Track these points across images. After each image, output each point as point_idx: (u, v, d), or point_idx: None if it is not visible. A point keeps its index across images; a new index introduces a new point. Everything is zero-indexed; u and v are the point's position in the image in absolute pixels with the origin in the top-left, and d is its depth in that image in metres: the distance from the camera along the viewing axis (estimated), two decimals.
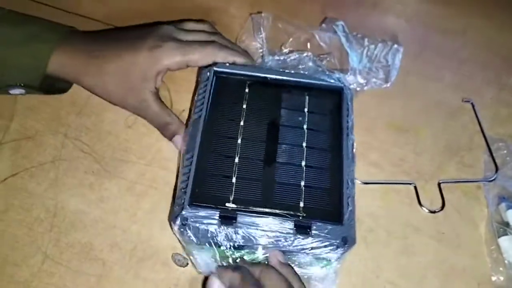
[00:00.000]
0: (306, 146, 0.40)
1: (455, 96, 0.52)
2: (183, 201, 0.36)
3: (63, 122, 0.45)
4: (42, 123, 0.45)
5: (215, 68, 0.43)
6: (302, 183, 0.38)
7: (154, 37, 0.42)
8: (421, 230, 0.43)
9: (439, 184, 0.45)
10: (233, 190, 0.37)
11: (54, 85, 0.45)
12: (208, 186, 0.37)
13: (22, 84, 0.42)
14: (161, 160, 0.44)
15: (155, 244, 0.40)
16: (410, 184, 0.45)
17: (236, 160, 0.38)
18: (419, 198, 0.45)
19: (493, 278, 0.41)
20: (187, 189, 0.36)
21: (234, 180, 0.37)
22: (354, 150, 0.40)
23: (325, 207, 0.37)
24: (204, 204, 0.36)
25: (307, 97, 0.43)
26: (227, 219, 0.35)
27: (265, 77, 0.43)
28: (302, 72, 0.44)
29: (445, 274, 0.41)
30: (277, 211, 0.36)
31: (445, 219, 0.44)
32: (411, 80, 0.53)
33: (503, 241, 0.42)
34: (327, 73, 0.44)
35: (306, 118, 0.41)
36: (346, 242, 0.35)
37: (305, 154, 0.39)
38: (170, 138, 0.43)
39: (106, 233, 0.40)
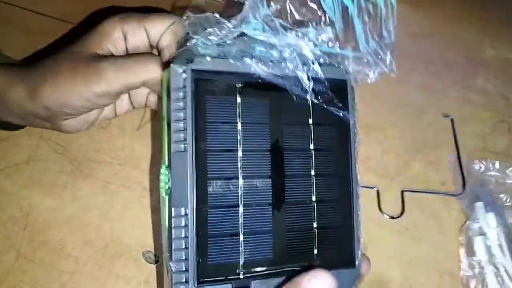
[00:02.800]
0: (314, 175, 0.33)
1: (422, 97, 0.54)
2: (186, 279, 0.29)
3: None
4: None
5: (193, 67, 0.30)
6: (315, 225, 0.32)
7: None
8: (385, 226, 0.45)
9: (402, 192, 0.47)
10: (242, 251, 0.30)
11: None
12: (213, 252, 0.29)
13: None
14: (133, 160, 0.45)
15: (126, 241, 0.41)
16: (372, 188, 0.47)
17: (241, 209, 0.30)
18: (380, 204, 0.46)
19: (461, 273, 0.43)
20: (189, 263, 0.29)
21: (241, 238, 0.30)
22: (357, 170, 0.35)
23: (337, 249, 0.33)
24: (213, 279, 0.29)
25: (308, 101, 0.33)
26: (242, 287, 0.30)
27: (258, 75, 0.32)
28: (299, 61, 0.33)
29: (407, 265, 0.43)
30: (291, 267, 0.31)
31: (408, 216, 0.46)
32: (379, 82, 0.54)
33: (477, 240, 0.44)
34: (327, 60, 0.33)
35: (312, 135, 0.33)
36: (356, 280, 0.33)
37: (314, 187, 0.33)
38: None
39: (79, 231, 0.41)
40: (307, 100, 0.32)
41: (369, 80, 0.36)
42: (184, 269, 0.29)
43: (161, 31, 0.35)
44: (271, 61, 0.32)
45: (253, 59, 0.31)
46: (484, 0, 0.63)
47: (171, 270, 0.29)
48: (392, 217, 0.45)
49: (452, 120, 0.51)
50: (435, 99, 0.54)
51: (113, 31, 0.36)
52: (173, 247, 0.29)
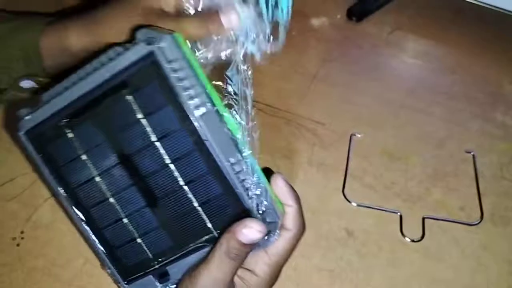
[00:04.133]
0: (171, 161, 0.33)
1: (443, 128, 0.58)
2: (119, 280, 0.36)
3: None
4: None
5: (23, 131, 0.35)
6: (196, 204, 0.33)
7: None
8: (408, 245, 0.49)
9: (423, 219, 0.51)
10: (146, 248, 0.35)
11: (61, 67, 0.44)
12: (125, 257, 0.36)
13: (28, 74, 0.44)
14: None
15: None
16: (396, 213, 0.51)
17: (125, 220, 0.35)
18: (402, 228, 0.50)
19: None
20: (112, 269, 0.36)
21: (139, 240, 0.35)
22: (229, 126, 0.32)
23: (231, 213, 0.33)
24: (136, 275, 0.36)
25: (129, 98, 0.32)
26: (162, 276, 0.35)
27: (73, 104, 0.33)
28: (104, 64, 0.33)
29: (428, 285, 0.47)
30: (193, 245, 0.34)
31: (430, 239, 0.50)
32: (405, 113, 0.60)
33: None
34: (126, 47, 0.32)
35: (148, 127, 0.33)
36: (270, 232, 0.33)
37: (176, 172, 0.33)
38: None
39: None
40: (125, 97, 0.32)
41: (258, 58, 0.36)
42: (113, 275, 0.36)
43: None
44: (80, 79, 0.33)
45: (64, 89, 0.33)
46: (503, 40, 0.67)
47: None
48: (413, 240, 0.50)
49: (473, 155, 0.56)
50: (456, 131, 0.58)
51: None
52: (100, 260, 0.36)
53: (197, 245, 0.34)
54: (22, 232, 0.47)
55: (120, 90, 0.32)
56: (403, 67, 0.65)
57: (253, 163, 0.33)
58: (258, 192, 0.32)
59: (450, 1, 0.62)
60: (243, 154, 0.32)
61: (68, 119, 0.34)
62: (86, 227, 0.36)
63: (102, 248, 0.36)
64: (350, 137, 0.57)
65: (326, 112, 0.59)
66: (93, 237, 0.36)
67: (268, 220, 0.33)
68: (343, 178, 0.53)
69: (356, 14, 0.68)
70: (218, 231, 0.33)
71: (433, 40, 0.68)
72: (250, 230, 0.31)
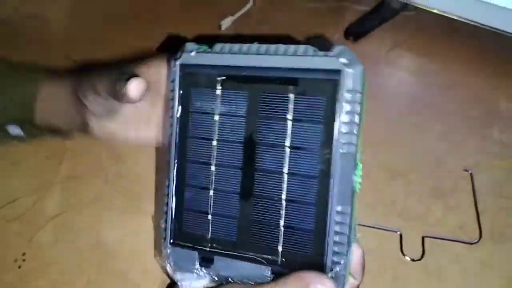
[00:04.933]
0: (288, 173, 0.32)
1: (442, 145, 0.59)
2: (165, 237, 0.36)
3: (103, 166, 0.53)
4: (86, 167, 0.53)
5: (180, 62, 0.35)
6: (282, 223, 0.33)
7: None
8: (408, 264, 0.50)
9: (423, 238, 0.51)
10: (210, 228, 0.35)
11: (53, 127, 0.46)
12: (186, 222, 0.35)
13: (17, 119, 0.45)
14: None
15: None
16: (395, 232, 0.52)
17: (211, 192, 0.35)
18: (402, 247, 0.50)
19: None
20: (167, 225, 0.36)
21: (210, 217, 0.35)
22: (356, 176, 0.32)
23: (306, 252, 0.32)
24: (184, 244, 0.35)
25: (291, 96, 0.32)
26: (205, 260, 0.35)
27: (241, 68, 0.33)
28: (288, 54, 0.32)
29: None
30: (253, 255, 0.33)
31: (430, 257, 0.50)
32: (403, 130, 0.60)
33: None
34: (319, 51, 0.32)
35: (289, 131, 0.32)
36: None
37: (285, 184, 0.32)
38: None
39: (137, 261, 0.48)
40: (288, 93, 0.32)
41: None
42: (165, 229, 0.36)
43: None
44: (258, 53, 0.33)
45: (240, 51, 0.33)
46: (499, 58, 0.69)
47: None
48: (414, 260, 0.50)
49: (471, 174, 0.56)
50: (454, 148, 0.59)
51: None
52: (162, 209, 0.36)
53: (255, 257, 0.33)
54: (23, 254, 0.48)
55: (289, 84, 0.32)
56: (401, 85, 0.66)
57: (354, 222, 0.32)
58: (342, 251, 0.31)
59: (446, 20, 0.63)
60: (352, 211, 0.32)
61: (226, 78, 0.34)
62: (174, 173, 0.35)
63: (174, 201, 0.35)
64: None
65: None
66: (173, 186, 0.35)
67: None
68: None
69: (354, 34, 0.70)
70: (283, 260, 0.32)
71: (430, 58, 0.69)
72: None
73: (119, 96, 0.38)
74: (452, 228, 0.53)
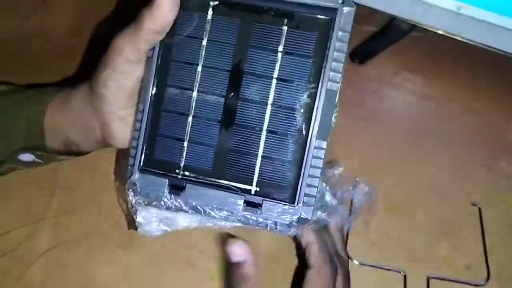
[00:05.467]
0: (272, 104, 0.33)
1: (449, 178, 0.57)
2: (133, 164, 0.35)
3: (96, 199, 0.51)
4: (79, 199, 0.51)
5: None
6: (260, 153, 0.33)
7: None
8: None
9: (428, 279, 0.49)
10: (184, 155, 0.34)
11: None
12: (159, 149, 0.34)
13: (27, 147, 0.42)
14: (185, 236, 0.49)
15: None
16: (399, 272, 0.50)
17: (190, 119, 0.34)
18: None
19: None
20: (137, 151, 0.35)
21: (185, 144, 0.34)
22: (334, 114, 0.33)
23: (281, 183, 0.33)
24: (154, 170, 0.34)
25: (285, 28, 0.33)
26: (176, 188, 0.34)
27: None
28: None
29: None
30: (227, 183, 0.34)
31: None
32: (409, 160, 0.58)
33: None
34: None
35: (279, 63, 0.33)
36: (298, 221, 0.33)
37: (268, 115, 0.33)
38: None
39: None
40: (282, 25, 0.33)
41: None
42: (134, 155, 0.34)
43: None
44: None
45: None
46: (510, 86, 0.66)
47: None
48: None
49: (479, 209, 0.54)
50: (462, 181, 0.56)
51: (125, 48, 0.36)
52: (133, 134, 0.35)
53: (229, 186, 0.33)
54: None
55: (284, 17, 0.33)
56: (407, 110, 0.64)
57: (323, 161, 0.33)
58: (315, 184, 0.32)
59: (457, 42, 0.60)
60: (326, 146, 0.33)
61: (219, 3, 0.33)
62: (150, 95, 0.34)
63: (147, 125, 0.34)
64: (352, 187, 0.55)
65: (327, 159, 0.57)
66: (148, 109, 0.34)
67: (302, 214, 0.33)
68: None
69: (360, 55, 0.67)
70: (257, 189, 0.33)
71: (438, 82, 0.66)
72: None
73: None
74: (459, 268, 0.51)
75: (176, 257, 0.48)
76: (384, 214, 0.54)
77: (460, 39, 0.61)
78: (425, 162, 0.58)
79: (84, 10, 0.66)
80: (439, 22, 0.62)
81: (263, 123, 0.33)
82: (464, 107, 0.64)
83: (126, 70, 0.36)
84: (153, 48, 0.34)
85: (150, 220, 0.37)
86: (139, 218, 0.37)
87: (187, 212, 0.34)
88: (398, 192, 0.55)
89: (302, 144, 0.33)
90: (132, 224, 0.40)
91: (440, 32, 0.62)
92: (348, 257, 0.50)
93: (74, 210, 0.50)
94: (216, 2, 0.33)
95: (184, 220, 0.37)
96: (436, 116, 0.63)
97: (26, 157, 0.43)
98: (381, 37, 0.69)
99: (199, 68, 0.34)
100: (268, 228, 0.34)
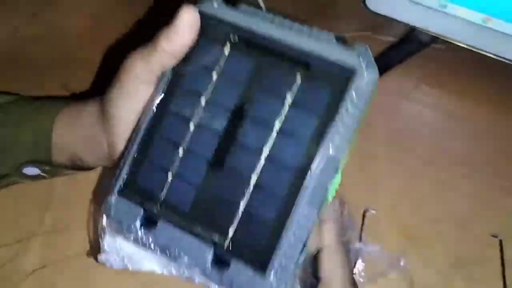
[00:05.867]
0: (266, 157, 0.30)
1: (469, 206, 0.53)
2: (114, 184, 0.32)
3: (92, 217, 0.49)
4: (73, 217, 0.49)
5: (200, 8, 0.32)
6: (242, 205, 0.30)
7: None
8: None
9: None
10: (166, 189, 0.32)
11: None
12: (143, 175, 0.32)
13: (33, 161, 0.41)
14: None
15: None
16: None
17: (180, 151, 0.32)
18: None
19: None
20: (121, 172, 0.32)
21: (170, 176, 0.32)
22: (333, 184, 0.30)
23: (257, 245, 0.29)
24: (132, 197, 0.32)
25: (297, 77, 0.30)
26: (148, 221, 0.31)
27: (257, 35, 0.31)
28: (310, 36, 0.30)
29: None
30: (201, 231, 0.30)
31: None
32: (425, 185, 0.54)
33: None
34: (341, 43, 0.30)
35: (284, 113, 0.30)
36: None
37: (259, 168, 0.30)
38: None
39: None
40: (296, 74, 0.30)
41: None
42: (117, 176, 0.32)
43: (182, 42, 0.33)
44: (280, 25, 0.31)
45: (262, 18, 0.31)
46: None
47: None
48: None
49: (500, 241, 0.50)
50: (481, 210, 0.53)
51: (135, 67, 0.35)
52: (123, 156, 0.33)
53: (201, 234, 0.30)
54: None
55: (300, 66, 0.30)
56: (425, 129, 0.60)
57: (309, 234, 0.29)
58: (294, 255, 0.29)
59: (481, 56, 0.56)
60: (316, 218, 0.29)
61: (239, 40, 0.32)
62: (149, 117, 0.32)
63: (137, 148, 0.32)
64: (364, 213, 0.51)
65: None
66: (142, 131, 0.32)
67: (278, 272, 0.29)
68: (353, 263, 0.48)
69: (377, 67, 0.63)
70: (229, 245, 0.30)
71: (460, 99, 0.62)
72: None
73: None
74: None
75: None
76: (396, 243, 0.50)
77: (484, 53, 0.57)
78: (443, 187, 0.54)
79: (94, 15, 0.64)
80: (464, 35, 0.58)
81: (252, 174, 0.30)
82: (486, 126, 0.60)
83: (138, 91, 0.35)
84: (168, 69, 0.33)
85: (114, 250, 0.34)
86: (104, 245, 0.34)
87: (153, 251, 0.31)
88: (411, 220, 0.52)
89: (289, 207, 0.29)
90: (94, 250, 0.37)
91: (463, 45, 0.58)
92: None
93: (67, 228, 0.48)
94: (236, 38, 0.32)
95: (148, 264, 0.34)
96: (456, 136, 0.59)
97: (32, 171, 0.42)
98: (399, 49, 0.65)
99: (203, 101, 0.32)
100: None
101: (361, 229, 0.50)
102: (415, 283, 0.47)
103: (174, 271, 0.32)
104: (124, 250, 0.34)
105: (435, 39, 0.63)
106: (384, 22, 0.61)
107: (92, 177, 0.49)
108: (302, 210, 0.29)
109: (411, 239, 0.50)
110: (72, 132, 0.41)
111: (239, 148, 0.31)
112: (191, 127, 0.32)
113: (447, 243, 0.50)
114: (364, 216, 0.51)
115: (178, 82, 0.33)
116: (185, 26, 0.32)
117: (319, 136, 0.29)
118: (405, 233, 0.51)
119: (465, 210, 0.53)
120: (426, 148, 0.58)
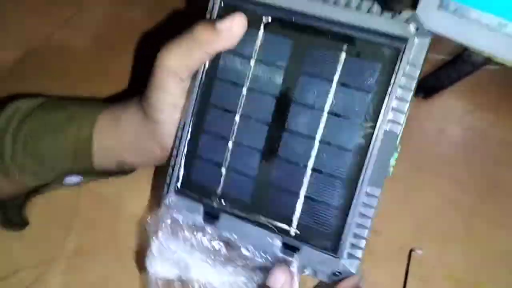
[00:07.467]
0: (320, 140, 0.29)
1: None
2: (169, 183, 0.33)
3: (117, 240, 0.46)
4: (98, 240, 0.46)
5: None
6: (303, 192, 0.30)
7: None
8: None
9: None
10: (222, 182, 0.31)
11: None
12: (197, 171, 0.32)
13: (74, 170, 0.40)
14: None
15: None
16: None
17: (230, 144, 0.31)
18: None
19: None
20: (175, 170, 0.32)
21: (224, 170, 0.31)
22: (394, 157, 0.29)
23: (324, 229, 0.30)
24: (190, 193, 0.32)
25: (343, 55, 0.29)
26: (210, 216, 0.31)
27: (292, 13, 0.29)
28: (351, 6, 0.28)
29: None
30: (265, 220, 0.30)
31: None
32: (477, 223, 0.50)
33: None
34: (386, 12, 0.28)
35: (332, 94, 0.29)
36: (339, 274, 0.30)
37: (314, 152, 0.29)
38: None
39: None
40: (340, 51, 0.29)
41: None
42: (171, 174, 0.32)
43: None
44: None
45: None
46: None
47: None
48: None
49: None
50: None
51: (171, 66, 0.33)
52: (172, 154, 0.33)
53: (266, 224, 0.30)
54: None
55: (344, 42, 0.29)
56: (476, 160, 0.55)
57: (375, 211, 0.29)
58: (363, 234, 0.29)
59: None
60: (379, 194, 0.29)
61: (273, 20, 0.30)
62: (191, 112, 0.32)
63: (186, 146, 0.32)
64: (410, 253, 0.47)
65: (382, 215, 0.50)
66: (189, 127, 0.32)
67: (346, 267, 0.29)
68: None
69: (425, 89, 0.59)
70: (297, 232, 0.30)
71: None
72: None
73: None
74: None
75: None
76: (441, 286, 0.46)
77: None
78: (495, 224, 0.50)
79: (119, 21, 0.61)
80: None
81: (308, 160, 0.30)
82: None
83: (178, 90, 0.33)
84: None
85: (165, 256, 0.32)
86: (153, 250, 0.32)
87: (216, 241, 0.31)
88: (461, 262, 0.47)
89: (351, 189, 0.29)
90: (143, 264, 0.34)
91: None
92: None
93: (91, 252, 0.45)
94: (269, 19, 0.30)
95: (196, 271, 0.32)
96: (509, 169, 0.54)
97: (73, 179, 0.41)
98: (450, 69, 0.60)
99: (244, 91, 0.31)
100: (306, 273, 0.31)
101: (407, 271, 0.46)
102: None
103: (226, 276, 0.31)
104: (176, 255, 0.32)
105: (489, 60, 0.58)
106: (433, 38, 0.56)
107: (117, 202, 0.46)
108: (365, 190, 0.29)
109: (458, 281, 0.46)
110: (115, 139, 0.39)
111: (291, 134, 0.30)
112: (237, 118, 0.31)
113: (498, 286, 0.46)
114: (410, 256, 0.47)
115: (215, 73, 0.31)
116: (239, 27, 0.30)
117: (373, 113, 0.28)
118: (451, 274, 0.47)
119: None
120: (478, 180, 0.53)
